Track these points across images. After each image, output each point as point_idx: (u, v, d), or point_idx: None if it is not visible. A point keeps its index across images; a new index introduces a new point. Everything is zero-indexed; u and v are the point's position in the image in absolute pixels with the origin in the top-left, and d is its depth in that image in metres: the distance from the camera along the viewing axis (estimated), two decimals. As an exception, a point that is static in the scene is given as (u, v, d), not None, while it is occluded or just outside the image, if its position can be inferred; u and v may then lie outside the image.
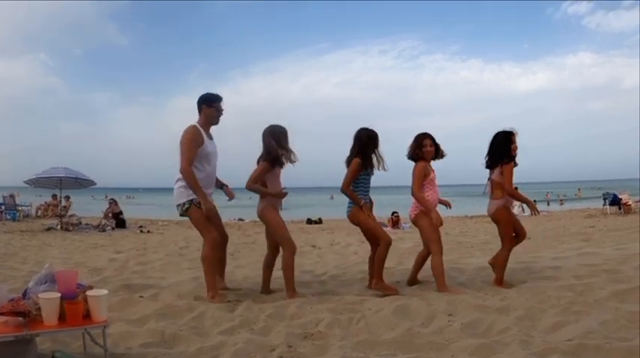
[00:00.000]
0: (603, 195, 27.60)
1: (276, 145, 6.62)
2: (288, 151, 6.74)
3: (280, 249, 6.82)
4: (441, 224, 7.06)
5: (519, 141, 7.03)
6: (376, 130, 6.96)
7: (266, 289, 6.95)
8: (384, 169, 6.91)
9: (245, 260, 10.17)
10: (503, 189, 6.96)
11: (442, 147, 7.15)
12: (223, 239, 6.98)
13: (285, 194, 6.78)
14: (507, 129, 7.04)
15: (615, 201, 24.86)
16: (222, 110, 6.74)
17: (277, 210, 6.82)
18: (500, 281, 6.99)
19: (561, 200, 53.19)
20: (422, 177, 6.97)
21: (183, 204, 6.49)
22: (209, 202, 6.46)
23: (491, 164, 7.09)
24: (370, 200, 7.03)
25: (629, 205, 24.31)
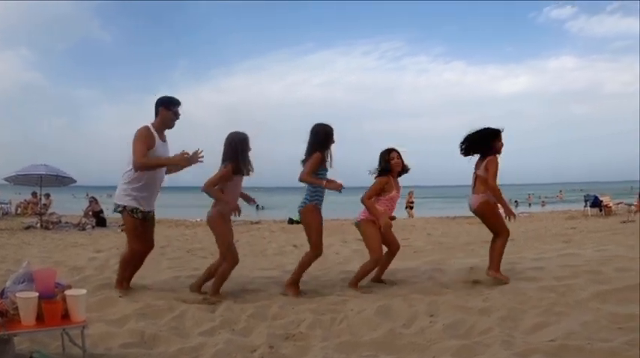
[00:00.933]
0: (584, 196, 27.79)
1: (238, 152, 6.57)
2: (247, 162, 6.65)
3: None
4: (390, 226, 7.08)
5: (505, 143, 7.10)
6: (332, 126, 6.91)
7: (197, 288, 6.89)
8: (331, 166, 6.86)
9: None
10: (486, 184, 6.99)
11: (406, 162, 7.25)
12: (148, 248, 7.02)
13: (239, 210, 6.67)
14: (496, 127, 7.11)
15: (596, 202, 25.03)
16: (179, 114, 6.68)
17: (228, 220, 6.72)
18: (497, 269, 7.01)
19: (543, 201, 53.54)
20: (378, 190, 7.04)
21: (118, 206, 6.59)
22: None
23: (471, 150, 7.15)
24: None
25: (610, 207, 24.46)
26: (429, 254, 10.94)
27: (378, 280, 7.38)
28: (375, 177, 7.13)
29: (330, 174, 6.86)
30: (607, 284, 6.44)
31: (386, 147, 7.22)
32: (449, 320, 5.16)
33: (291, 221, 24.62)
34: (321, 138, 6.77)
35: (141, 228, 6.66)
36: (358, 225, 7.20)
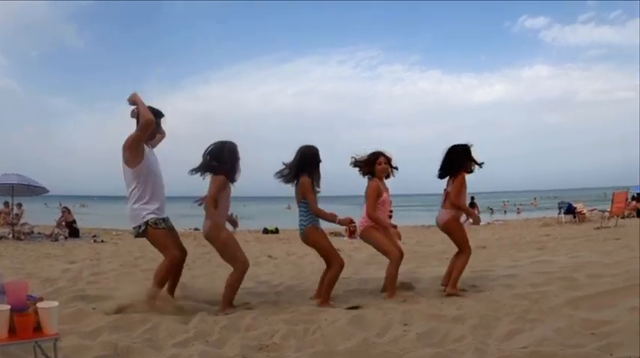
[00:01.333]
0: (559, 204, 28.08)
1: (230, 159, 6.55)
2: (237, 170, 6.64)
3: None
4: (400, 238, 7.15)
5: (477, 152, 7.18)
6: (317, 146, 6.91)
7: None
8: (319, 188, 6.83)
9: (200, 270, 10.05)
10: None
11: (394, 166, 7.27)
12: (183, 254, 6.78)
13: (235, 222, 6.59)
14: (464, 143, 7.18)
15: (570, 209, 25.25)
16: (160, 126, 6.67)
17: (224, 227, 6.71)
18: (454, 286, 7.02)
19: (518, 209, 53.99)
20: (376, 197, 7.00)
21: (139, 226, 6.43)
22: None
23: (449, 174, 7.15)
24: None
25: (584, 214, 24.69)
26: (404, 263, 10.87)
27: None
28: (368, 179, 7.17)
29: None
30: (580, 291, 6.53)
31: (375, 150, 7.23)
32: (423, 329, 5.16)
33: (265, 231, 24.63)
34: (309, 160, 6.76)
35: (171, 235, 6.59)
36: (363, 236, 7.22)
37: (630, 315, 5.15)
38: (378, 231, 7.02)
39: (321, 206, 6.75)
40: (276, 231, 24.45)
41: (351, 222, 6.71)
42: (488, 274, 8.37)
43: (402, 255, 7.09)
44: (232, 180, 6.58)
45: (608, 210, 21.20)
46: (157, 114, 6.58)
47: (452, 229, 7.20)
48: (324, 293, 6.74)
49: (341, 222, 6.78)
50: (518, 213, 48.89)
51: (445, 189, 7.26)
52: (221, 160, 6.52)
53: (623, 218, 22.02)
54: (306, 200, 6.67)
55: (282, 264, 11.21)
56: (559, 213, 26.43)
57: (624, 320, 4.97)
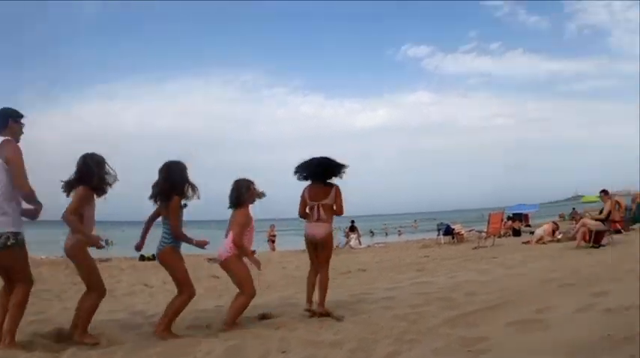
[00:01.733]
0: (437, 225, 28.84)
1: (96, 170, 6.12)
2: (105, 182, 6.19)
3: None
4: (259, 268, 7.04)
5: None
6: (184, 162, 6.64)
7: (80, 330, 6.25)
8: (199, 198, 6.59)
9: (72, 302, 9.53)
10: (337, 213, 7.25)
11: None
12: None
13: (101, 246, 6.31)
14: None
15: (448, 231, 25.93)
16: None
17: (87, 248, 6.26)
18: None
19: (399, 231, 55.15)
20: (246, 225, 6.87)
21: (7, 236, 5.58)
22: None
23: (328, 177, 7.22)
24: None
25: (462, 234, 25.39)
26: (283, 288, 10.89)
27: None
28: (235, 208, 6.98)
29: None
30: (457, 310, 6.66)
31: (242, 178, 7.08)
32: (300, 356, 5.09)
33: (142, 258, 23.82)
34: (178, 178, 6.45)
35: None
36: (225, 263, 6.94)
37: (504, 331, 5.27)
38: (242, 260, 6.87)
39: (185, 230, 6.55)
40: (154, 257, 23.68)
41: (207, 243, 6.54)
42: (367, 297, 8.38)
43: (255, 293, 6.90)
44: (100, 193, 6.18)
45: (485, 230, 21.88)
46: (20, 115, 6.10)
47: (331, 242, 7.40)
48: (167, 321, 6.43)
49: (198, 244, 6.54)
50: (400, 234, 49.97)
51: (319, 203, 7.19)
52: (86, 172, 6.11)
53: (499, 237, 22.77)
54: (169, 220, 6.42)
55: (158, 293, 10.78)
56: (438, 235, 27.11)
57: (499, 336, 5.11)
